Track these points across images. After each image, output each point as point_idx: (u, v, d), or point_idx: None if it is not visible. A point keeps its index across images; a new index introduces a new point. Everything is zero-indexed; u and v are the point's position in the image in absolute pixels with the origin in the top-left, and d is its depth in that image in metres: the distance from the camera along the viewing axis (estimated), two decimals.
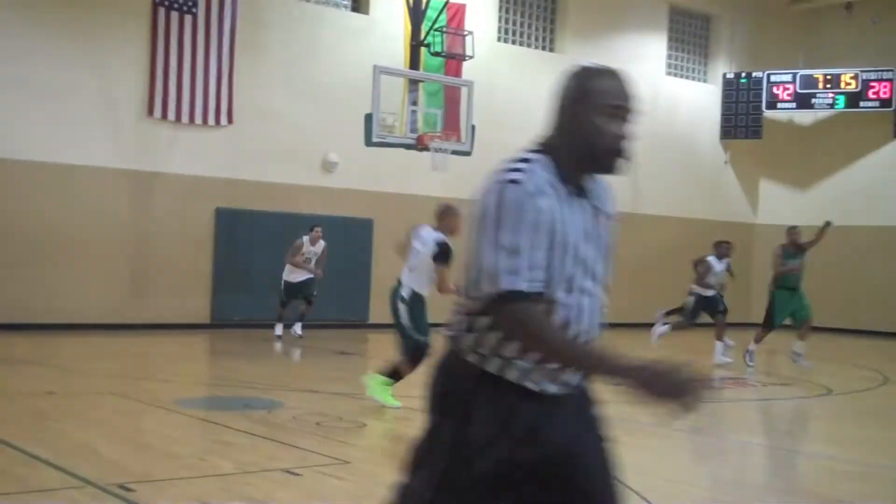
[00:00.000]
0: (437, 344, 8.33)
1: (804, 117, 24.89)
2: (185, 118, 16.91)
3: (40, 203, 15.71)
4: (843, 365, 13.66)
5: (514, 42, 21.40)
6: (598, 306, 2.73)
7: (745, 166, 25.00)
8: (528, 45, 21.62)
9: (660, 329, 15.22)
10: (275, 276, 16.31)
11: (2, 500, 5.41)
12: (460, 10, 19.07)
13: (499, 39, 20.95)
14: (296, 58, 18.13)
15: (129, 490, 5.70)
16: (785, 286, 14.08)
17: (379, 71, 15.86)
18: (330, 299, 17.06)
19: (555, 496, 2.67)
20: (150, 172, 16.73)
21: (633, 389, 2.42)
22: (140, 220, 16.67)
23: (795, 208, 24.37)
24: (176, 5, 16.64)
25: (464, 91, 17.25)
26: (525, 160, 2.66)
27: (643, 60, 22.86)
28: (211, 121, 17.16)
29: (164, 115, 16.74)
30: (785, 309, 14.05)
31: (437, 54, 17.84)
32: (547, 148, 2.71)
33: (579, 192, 2.69)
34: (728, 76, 24.50)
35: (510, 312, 2.53)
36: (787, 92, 23.94)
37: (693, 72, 24.68)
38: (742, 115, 24.24)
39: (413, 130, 16.67)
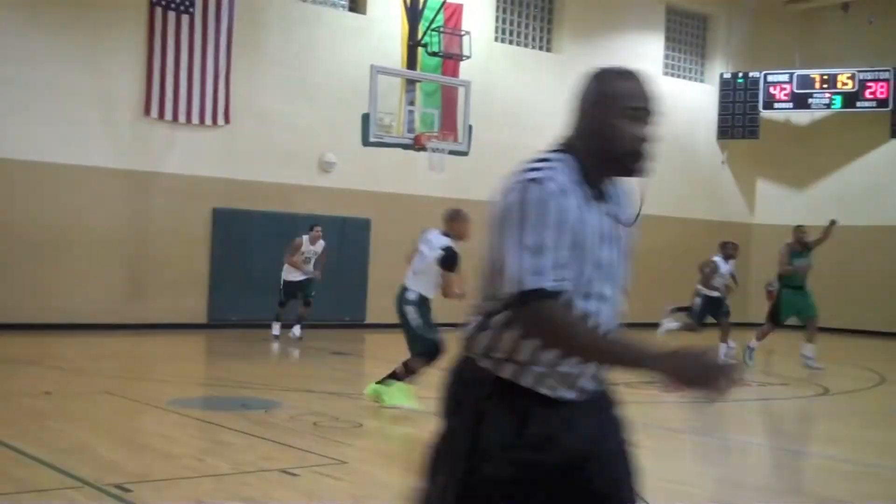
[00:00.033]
0: (446, 345, 8.40)
1: (801, 117, 24.90)
2: (181, 118, 16.90)
3: (36, 203, 15.70)
4: (840, 364, 13.67)
5: (511, 42, 21.41)
6: (614, 313, 2.71)
7: (742, 166, 25.02)
8: (525, 45, 21.63)
9: (669, 324, 15.15)
10: (272, 277, 16.30)
11: None
12: (457, 10, 19.06)
13: (496, 39, 20.95)
14: (293, 58, 18.13)
15: (126, 490, 5.69)
16: (791, 285, 14.07)
17: (376, 71, 15.86)
18: (327, 299, 17.05)
19: (573, 502, 2.66)
20: (146, 172, 16.72)
21: (662, 378, 2.40)
22: (137, 220, 16.66)
23: (792, 208, 24.38)
24: (173, 5, 16.63)
25: (461, 91, 17.26)
26: (547, 160, 2.64)
27: (640, 60, 22.82)
28: (208, 121, 17.15)
29: (161, 115, 16.73)
30: (791, 307, 14.01)
31: (434, 54, 17.84)
32: (568, 148, 2.68)
33: (599, 194, 2.66)
34: (725, 76, 24.52)
35: (535, 311, 2.48)
36: (783, 92, 23.96)
37: (690, 72, 24.70)
38: (739, 115, 24.25)
39: (410, 130, 16.66)
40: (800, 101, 23.92)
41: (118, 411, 8.85)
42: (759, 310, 17.84)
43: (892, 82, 22.97)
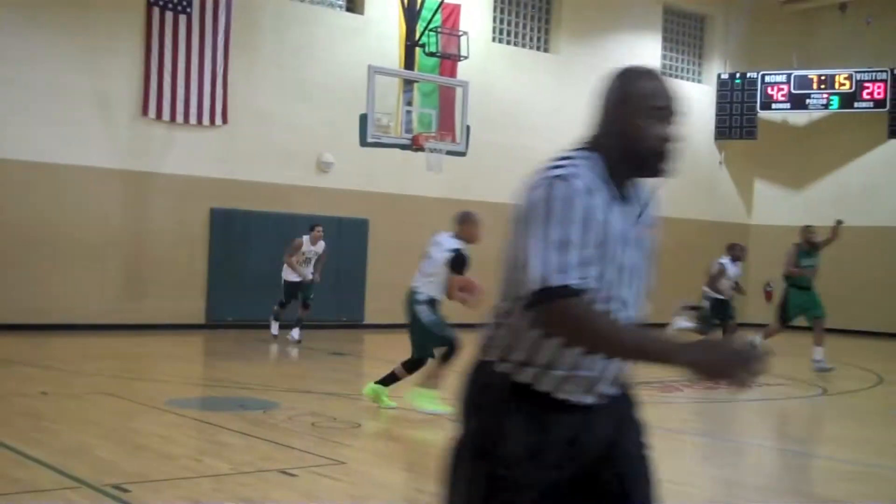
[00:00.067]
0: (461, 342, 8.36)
1: (798, 118, 24.92)
2: (179, 118, 16.88)
3: (34, 203, 15.68)
4: (838, 365, 13.67)
5: (508, 42, 21.41)
6: (635, 316, 2.68)
7: (740, 167, 25.03)
8: (523, 46, 21.63)
9: (680, 323, 15.01)
10: (270, 277, 16.28)
11: None
12: (455, 10, 19.07)
13: (493, 40, 20.95)
14: (291, 58, 18.12)
15: (124, 490, 5.69)
16: (798, 284, 14.00)
17: (374, 71, 15.85)
18: (325, 299, 17.03)
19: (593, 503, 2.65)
20: (144, 172, 16.71)
21: (690, 371, 2.37)
22: (134, 221, 16.64)
23: (790, 209, 24.41)
24: (170, 5, 16.61)
25: (459, 91, 17.26)
26: (573, 157, 2.60)
27: (637, 61, 22.33)
28: (206, 121, 17.14)
29: (159, 115, 16.72)
30: (798, 306, 13.94)
31: (431, 54, 17.83)
32: (593, 147, 2.65)
33: (623, 195, 2.64)
34: (722, 76, 24.53)
35: (560, 308, 2.43)
36: (781, 92, 23.97)
37: (687, 72, 24.71)
38: (736, 115, 24.27)
39: (408, 131, 16.66)
40: (797, 102, 23.93)
41: (116, 412, 8.84)
42: (757, 310, 17.89)
43: (889, 83, 22.98)
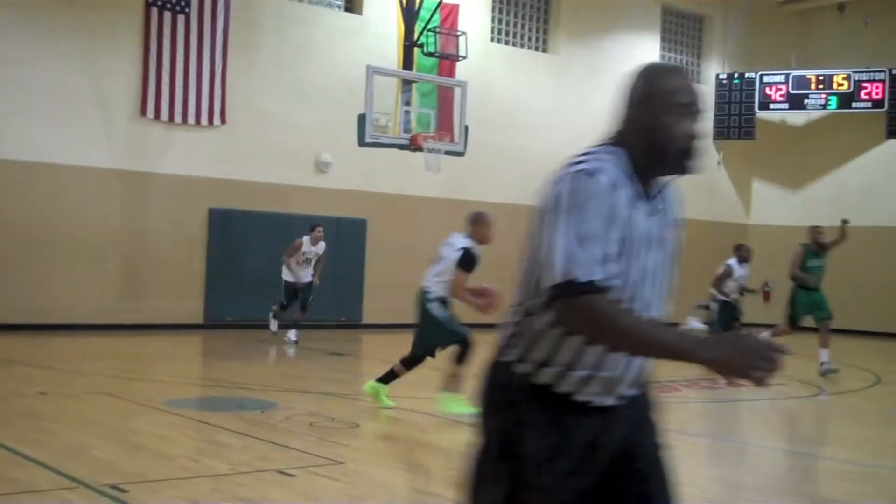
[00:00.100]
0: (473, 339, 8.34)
1: (797, 118, 24.93)
2: (178, 118, 16.88)
3: (33, 203, 15.68)
4: (835, 365, 13.66)
5: (507, 42, 21.41)
6: (658, 317, 2.64)
7: (738, 167, 25.04)
8: (522, 46, 21.64)
9: (693, 323, 14.91)
10: (269, 277, 16.27)
11: None
12: (453, 10, 19.07)
13: (492, 40, 20.95)
14: (289, 58, 18.12)
15: (121, 491, 5.69)
16: (805, 285, 13.83)
17: (372, 71, 15.86)
18: (324, 299, 17.02)
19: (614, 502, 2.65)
20: (143, 172, 16.70)
21: (709, 367, 2.34)
22: (133, 221, 16.64)
23: (788, 209, 24.43)
24: (169, 5, 16.60)
25: (457, 91, 17.26)
26: (597, 152, 2.59)
27: (636, 61, 22.33)
28: (204, 121, 17.14)
29: (157, 115, 16.71)
30: (805, 307, 13.79)
31: (430, 54, 17.83)
32: (618, 143, 2.63)
33: (647, 193, 2.61)
34: (721, 77, 24.53)
35: (584, 304, 2.39)
36: (779, 93, 23.97)
37: None
38: (735, 115, 24.26)
39: (406, 131, 16.66)
40: (795, 102, 23.94)
41: (114, 412, 8.83)
42: (756, 310, 17.84)
43: (887, 83, 22.99)
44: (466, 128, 16.91)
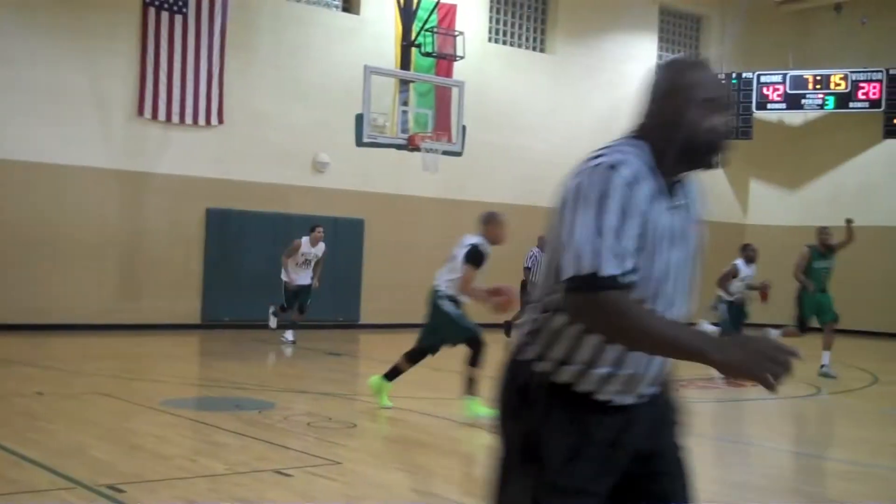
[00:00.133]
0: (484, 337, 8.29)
1: (794, 118, 24.95)
2: (175, 118, 16.87)
3: (30, 203, 15.67)
4: (833, 364, 13.67)
5: (504, 42, 21.42)
6: (678, 318, 2.59)
7: (736, 167, 25.02)
8: (519, 46, 21.64)
9: (706, 325, 14.81)
10: (266, 277, 16.28)
11: None
12: (451, 10, 19.08)
13: (489, 40, 20.96)
14: (286, 58, 18.12)
15: (119, 491, 5.69)
16: (805, 289, 13.71)
17: (369, 71, 15.86)
18: (321, 300, 17.00)
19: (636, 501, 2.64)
20: (140, 173, 16.70)
21: (721, 369, 2.31)
22: (130, 221, 16.63)
23: (785, 209, 24.45)
24: (166, 5, 16.60)
25: (454, 91, 17.26)
26: (620, 146, 2.55)
27: (633, 61, 22.89)
28: (201, 121, 17.13)
29: (155, 116, 16.71)
30: (811, 308, 13.68)
31: (427, 54, 17.83)
32: (641, 137, 2.59)
33: (670, 188, 2.56)
34: (718, 77, 24.52)
35: (603, 300, 2.36)
36: (776, 93, 23.99)
37: None
38: (732, 115, 24.24)
39: (404, 131, 16.66)
40: (793, 102, 23.95)
41: (111, 412, 8.83)
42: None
43: (884, 83, 23.00)
44: (464, 128, 16.91)
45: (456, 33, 18.35)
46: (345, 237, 18.36)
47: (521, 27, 21.69)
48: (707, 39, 24.99)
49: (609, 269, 2.36)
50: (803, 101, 23.89)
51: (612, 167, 2.43)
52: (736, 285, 14.18)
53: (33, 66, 15.70)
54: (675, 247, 2.55)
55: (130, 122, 16.58)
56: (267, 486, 6.05)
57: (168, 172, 16.92)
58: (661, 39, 24.04)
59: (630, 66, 22.73)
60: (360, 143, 15.95)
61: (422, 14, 17.73)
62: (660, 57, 23.92)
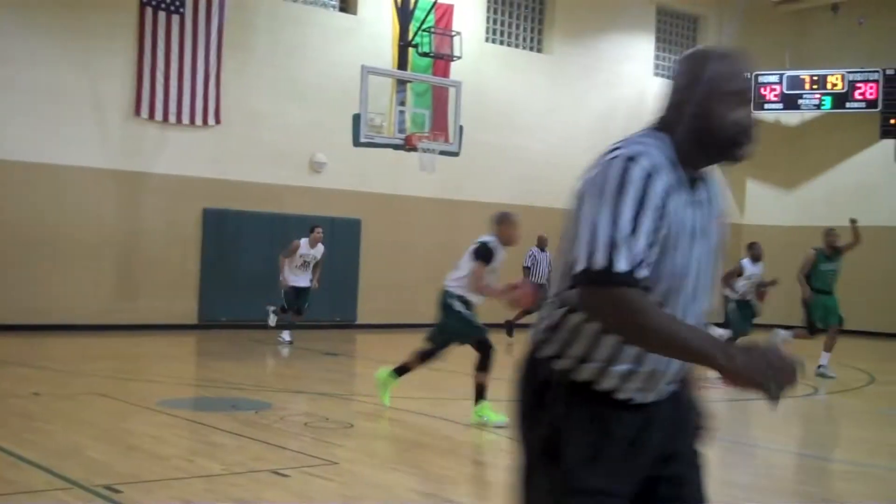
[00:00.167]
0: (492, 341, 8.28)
1: (791, 118, 24.97)
2: (172, 118, 16.86)
3: (26, 203, 15.65)
4: (830, 365, 13.68)
5: (501, 42, 21.42)
6: (700, 314, 2.56)
7: (732, 167, 25.02)
8: (516, 46, 21.64)
9: (720, 331, 14.73)
10: (263, 277, 16.26)
11: None
12: (448, 10, 19.07)
13: (487, 40, 20.96)
14: (283, 58, 18.11)
15: (115, 491, 5.68)
16: (820, 289, 13.57)
17: (367, 71, 15.85)
18: (318, 300, 16.98)
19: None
20: (137, 173, 16.68)
21: (727, 377, 2.28)
22: (127, 221, 16.62)
23: (782, 209, 24.46)
24: (163, 5, 16.59)
25: (452, 91, 17.26)
26: (641, 137, 2.49)
27: (631, 61, 22.91)
28: (198, 121, 17.12)
29: (152, 116, 16.69)
30: (819, 309, 13.53)
31: (424, 55, 17.84)
32: (664, 129, 2.53)
33: (692, 182, 2.51)
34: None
35: (614, 295, 2.30)
36: (773, 93, 24.01)
37: None
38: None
39: (401, 131, 16.66)
40: (790, 102, 23.98)
41: (108, 412, 8.82)
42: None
43: (881, 83, 23.03)
44: (461, 128, 16.91)
45: (453, 33, 18.35)
46: (342, 237, 18.35)
47: (518, 27, 21.69)
48: (704, 40, 24.98)
49: (622, 264, 2.30)
50: (800, 101, 23.91)
51: (631, 159, 2.38)
52: (741, 283, 14.14)
53: (29, 65, 15.66)
54: (696, 242, 2.49)
55: (127, 121, 16.57)
56: (264, 486, 6.05)
57: (165, 172, 16.90)
58: (658, 40, 24.04)
59: (627, 66, 22.75)
60: (357, 143, 15.95)
61: (419, 14, 17.74)
62: (657, 57, 23.95)
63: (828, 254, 13.69)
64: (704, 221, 2.54)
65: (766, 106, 24.17)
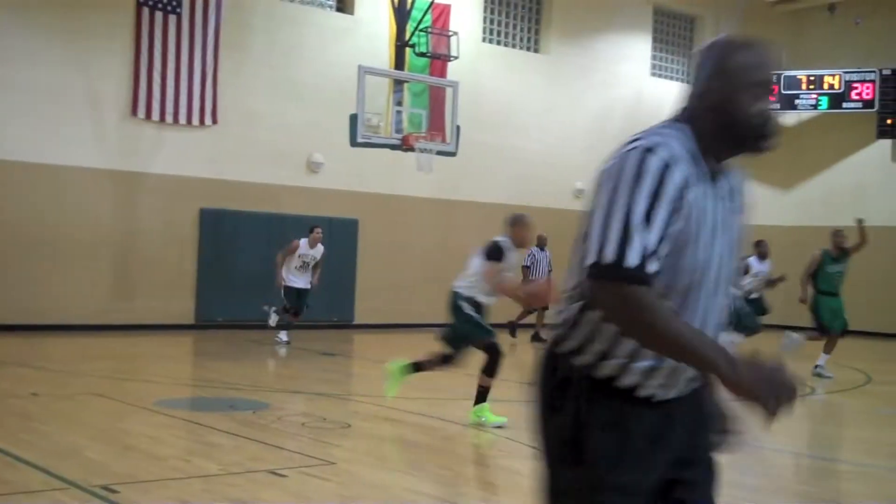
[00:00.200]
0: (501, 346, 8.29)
1: (788, 118, 24.97)
2: (169, 118, 16.84)
3: (24, 203, 15.62)
4: (827, 365, 13.68)
5: (498, 42, 21.41)
6: (720, 310, 2.51)
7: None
8: (513, 46, 21.64)
9: (732, 337, 14.66)
10: (259, 277, 16.23)
11: None
12: (445, 10, 19.06)
13: (484, 40, 20.95)
14: (280, 58, 18.09)
15: (113, 491, 5.68)
16: (826, 291, 13.47)
17: (364, 71, 15.85)
18: (316, 300, 16.96)
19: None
20: (134, 173, 16.66)
21: (727, 388, 2.26)
22: (124, 221, 16.60)
23: (779, 209, 24.45)
24: (160, 5, 16.57)
25: (449, 91, 17.26)
26: (662, 129, 2.44)
27: (628, 61, 22.91)
28: (195, 121, 17.10)
29: (149, 116, 16.67)
30: (826, 310, 13.40)
31: (421, 55, 17.84)
32: (686, 120, 2.48)
33: (713, 175, 2.45)
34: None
35: (624, 292, 2.26)
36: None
37: (678, 72, 24.73)
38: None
39: (398, 131, 16.65)
40: (787, 102, 24.01)
41: (106, 412, 8.81)
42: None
43: (877, 83, 23.06)
44: (458, 128, 16.92)
45: (450, 33, 18.36)
46: (339, 237, 18.33)
47: (515, 27, 21.69)
48: (701, 40, 24.97)
49: (633, 258, 2.26)
50: (797, 101, 23.95)
51: (649, 150, 2.33)
52: (748, 281, 14.13)
53: (27, 65, 15.64)
54: (717, 236, 2.44)
55: (124, 122, 16.55)
56: (261, 486, 6.04)
57: (162, 172, 16.88)
58: (654, 40, 24.05)
59: (624, 66, 22.76)
60: (354, 143, 15.95)
61: (416, 14, 17.73)
62: (654, 57, 23.96)
63: (835, 255, 13.55)
64: (726, 215, 2.49)
65: None
